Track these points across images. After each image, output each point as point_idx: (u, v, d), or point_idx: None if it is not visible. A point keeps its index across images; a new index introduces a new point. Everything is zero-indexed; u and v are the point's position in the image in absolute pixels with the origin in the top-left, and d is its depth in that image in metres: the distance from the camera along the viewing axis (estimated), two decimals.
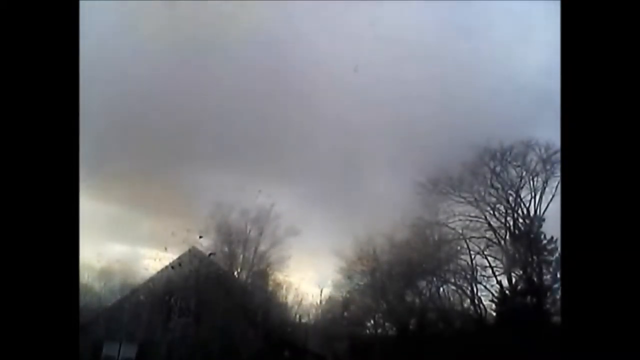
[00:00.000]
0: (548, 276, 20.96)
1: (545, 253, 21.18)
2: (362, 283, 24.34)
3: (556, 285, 19.74)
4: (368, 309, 23.86)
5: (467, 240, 22.79)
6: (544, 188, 21.85)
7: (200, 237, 19.51)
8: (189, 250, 19.30)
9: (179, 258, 19.15)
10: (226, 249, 21.11)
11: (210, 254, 19.41)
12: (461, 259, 22.94)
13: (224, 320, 18.73)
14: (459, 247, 23.04)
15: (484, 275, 22.43)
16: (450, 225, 23.21)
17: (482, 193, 22.92)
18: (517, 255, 21.63)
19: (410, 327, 22.29)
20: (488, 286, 22.27)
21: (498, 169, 22.77)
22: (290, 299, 24.31)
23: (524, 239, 21.80)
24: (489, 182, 22.87)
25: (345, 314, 24.29)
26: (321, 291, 24.99)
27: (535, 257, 21.34)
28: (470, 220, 23.10)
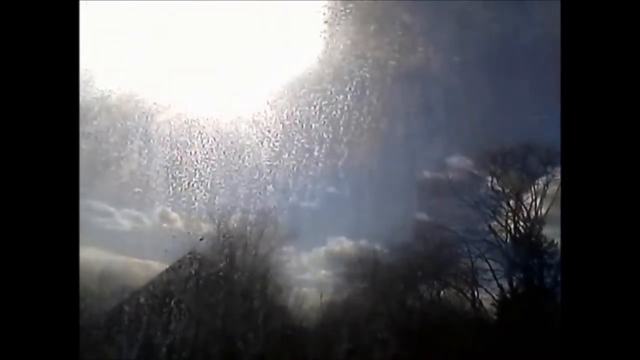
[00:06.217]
0: (549, 279, 20.97)
1: (546, 256, 21.19)
2: (362, 286, 24.31)
3: (557, 289, 19.72)
4: (368, 313, 23.81)
5: (468, 244, 22.81)
6: (545, 191, 21.90)
7: (201, 239, 19.51)
8: (189, 253, 19.30)
9: (179, 261, 19.16)
10: (226, 251, 21.09)
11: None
12: (462, 262, 22.97)
13: (224, 324, 18.70)
14: (459, 250, 23.06)
15: (484, 279, 22.46)
16: (450, 228, 23.25)
17: (483, 196, 22.97)
18: (517, 259, 21.64)
19: (411, 330, 22.25)
20: (489, 289, 22.30)
21: (499, 172, 22.82)
22: (290, 302, 24.29)
23: (525, 242, 21.81)
24: (489, 185, 22.92)
25: (346, 317, 24.23)
26: (321, 295, 24.95)
27: (536, 260, 21.35)
28: (471, 224, 23.15)
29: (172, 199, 15.77)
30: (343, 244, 26.12)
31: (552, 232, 21.39)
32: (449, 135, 25.13)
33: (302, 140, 14.15)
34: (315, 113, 13.96)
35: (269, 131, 14.07)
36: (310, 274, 27.01)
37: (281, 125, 14.01)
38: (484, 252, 22.43)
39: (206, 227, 20.69)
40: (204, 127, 14.07)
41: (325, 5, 12.66)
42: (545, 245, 21.53)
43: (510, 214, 22.59)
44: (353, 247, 24.83)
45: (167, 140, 14.32)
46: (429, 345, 20.01)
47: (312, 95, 13.80)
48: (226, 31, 12.71)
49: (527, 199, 22.44)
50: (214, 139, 14.16)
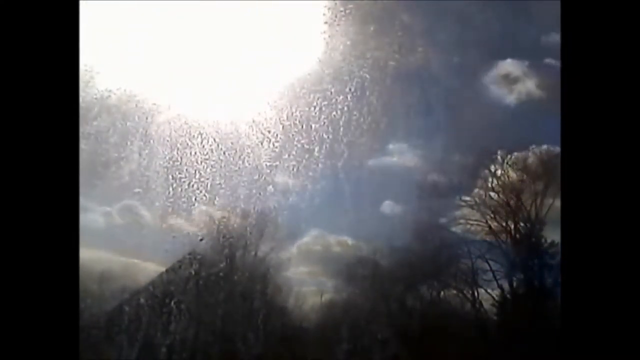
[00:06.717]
0: (549, 280, 20.98)
1: (547, 257, 21.20)
2: (362, 287, 24.31)
3: (558, 289, 19.72)
4: (368, 313, 23.82)
5: (468, 244, 22.81)
6: (545, 191, 21.89)
7: (201, 239, 19.51)
8: (189, 253, 19.29)
9: (179, 261, 19.16)
10: (226, 252, 21.09)
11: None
12: (462, 262, 22.96)
13: (224, 324, 18.70)
14: (459, 251, 23.06)
15: (485, 279, 22.46)
16: (450, 228, 23.27)
17: (483, 196, 22.97)
18: (518, 259, 21.64)
19: (411, 331, 22.26)
20: (489, 290, 22.30)
21: (499, 172, 22.84)
22: (290, 303, 24.31)
23: (525, 243, 21.81)
24: (489, 185, 22.92)
25: (346, 317, 24.23)
26: (321, 295, 24.96)
27: (536, 261, 21.35)
28: (471, 224, 23.17)
29: (172, 199, 15.78)
30: (342, 244, 26.15)
31: (552, 233, 21.43)
32: (449, 135, 25.19)
33: (302, 141, 14.14)
34: (315, 113, 13.95)
35: (269, 132, 14.05)
36: (310, 274, 27.01)
37: (281, 126, 14.00)
38: (484, 252, 22.45)
39: (206, 227, 20.69)
40: (204, 127, 14.06)
41: (325, 6, 12.67)
42: (545, 245, 21.52)
43: (510, 214, 22.58)
44: (353, 247, 24.85)
45: (167, 141, 14.30)
46: (429, 346, 20.01)
47: (312, 95, 13.79)
48: (226, 31, 12.70)
49: (527, 199, 22.45)
50: (214, 139, 14.15)
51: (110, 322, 18.72)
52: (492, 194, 22.60)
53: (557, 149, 18.74)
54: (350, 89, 14.04)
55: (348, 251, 25.07)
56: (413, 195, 23.55)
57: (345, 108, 14.27)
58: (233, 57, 13.18)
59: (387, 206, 25.45)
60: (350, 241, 25.25)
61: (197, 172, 14.45)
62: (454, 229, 23.25)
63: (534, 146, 22.33)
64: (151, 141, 14.55)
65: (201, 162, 14.37)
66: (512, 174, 22.56)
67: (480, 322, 21.94)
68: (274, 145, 14.25)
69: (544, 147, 21.94)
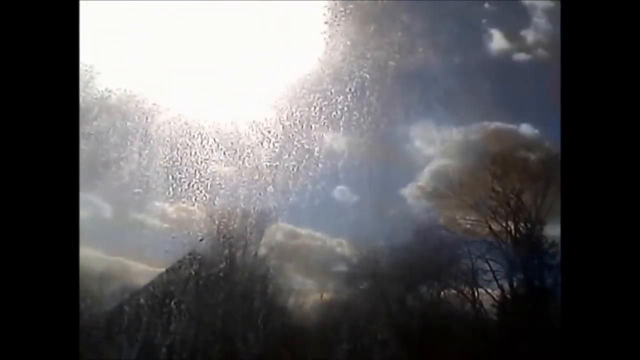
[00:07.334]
0: (550, 280, 20.98)
1: (547, 257, 21.20)
2: (362, 287, 24.31)
3: (558, 289, 19.72)
4: (368, 313, 23.81)
5: (468, 244, 22.81)
6: (545, 191, 21.88)
7: (201, 239, 19.49)
8: (189, 254, 19.29)
9: (179, 261, 19.16)
10: (227, 252, 21.08)
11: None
12: (462, 262, 22.97)
13: (224, 324, 18.71)
14: (459, 251, 23.06)
15: (485, 279, 22.46)
16: (450, 229, 23.26)
17: (483, 196, 22.96)
18: (518, 259, 21.65)
19: (411, 331, 22.25)
20: (489, 290, 22.30)
21: (499, 172, 22.82)
22: (290, 303, 24.30)
23: (525, 243, 21.82)
24: (489, 185, 22.91)
25: (346, 317, 24.23)
26: (321, 295, 24.94)
27: (536, 261, 21.36)
28: (471, 224, 23.17)
29: (172, 200, 15.78)
30: (343, 245, 26.14)
31: (552, 233, 21.43)
32: (449, 135, 25.22)
33: (302, 141, 14.16)
34: (315, 114, 13.96)
35: (269, 132, 14.07)
36: (311, 274, 26.99)
37: (281, 126, 14.02)
38: (484, 252, 22.44)
39: (206, 228, 20.67)
40: (204, 127, 14.09)
41: (325, 6, 12.68)
42: (545, 245, 21.54)
43: (510, 215, 22.58)
44: (353, 248, 24.84)
45: (167, 141, 14.31)
46: (429, 346, 20.02)
47: (312, 95, 13.80)
48: (226, 31, 12.71)
49: (527, 199, 22.44)
50: (214, 139, 14.18)
51: (110, 322, 18.73)
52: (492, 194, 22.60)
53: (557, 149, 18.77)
54: (350, 89, 14.05)
55: (348, 251, 25.11)
56: (413, 196, 23.62)
57: (345, 108, 14.28)
58: (233, 57, 13.19)
59: (388, 206, 25.46)
60: (349, 241, 25.26)
61: (197, 172, 14.47)
62: (453, 228, 23.24)
63: None
64: (151, 141, 14.55)
65: (201, 162, 14.39)
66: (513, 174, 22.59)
67: (481, 323, 21.93)
68: (274, 145, 14.27)
69: None
